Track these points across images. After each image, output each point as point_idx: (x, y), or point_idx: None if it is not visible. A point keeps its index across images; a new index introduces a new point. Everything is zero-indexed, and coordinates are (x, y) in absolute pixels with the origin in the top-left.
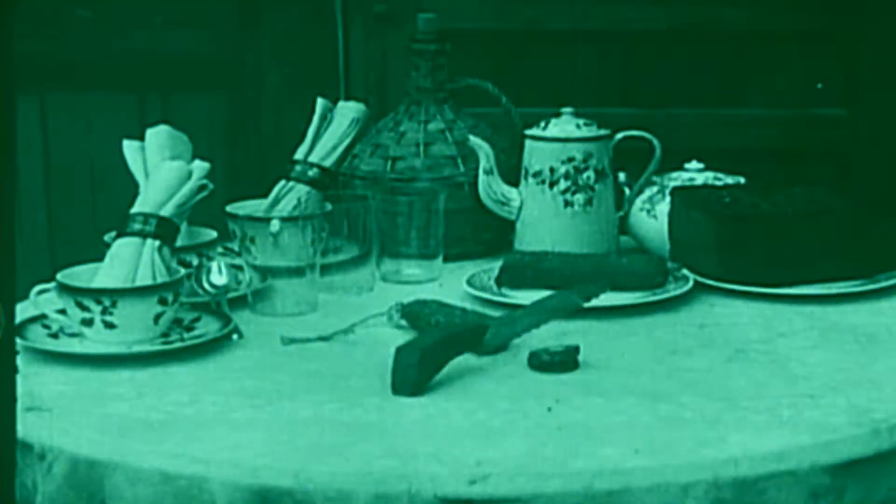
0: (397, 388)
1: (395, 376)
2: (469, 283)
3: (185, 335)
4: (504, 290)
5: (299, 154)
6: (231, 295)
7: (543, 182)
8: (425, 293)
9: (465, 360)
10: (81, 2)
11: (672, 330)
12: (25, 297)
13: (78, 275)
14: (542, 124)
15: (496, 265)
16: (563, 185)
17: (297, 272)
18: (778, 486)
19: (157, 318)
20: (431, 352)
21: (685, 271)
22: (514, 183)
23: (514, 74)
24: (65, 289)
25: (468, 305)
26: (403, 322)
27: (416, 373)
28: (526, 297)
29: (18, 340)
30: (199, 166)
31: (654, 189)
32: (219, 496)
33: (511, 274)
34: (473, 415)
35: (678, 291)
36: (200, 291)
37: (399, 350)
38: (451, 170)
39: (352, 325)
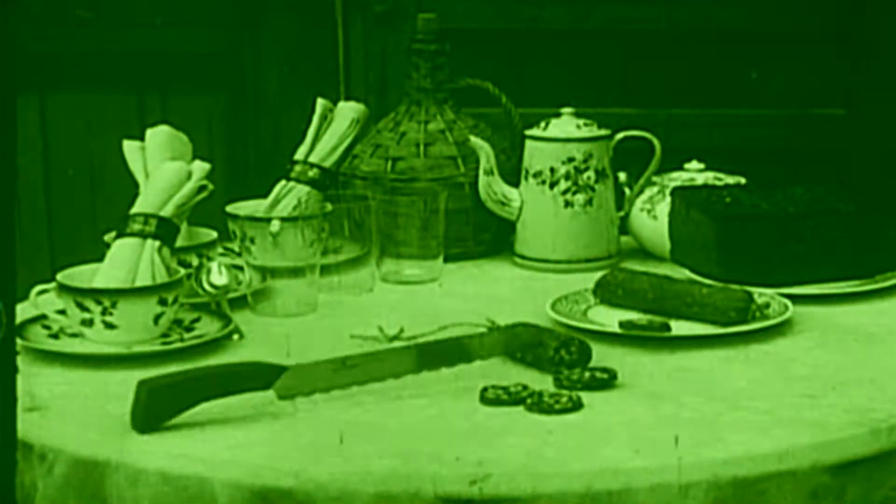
0: (131, 422)
1: (131, 411)
2: (554, 308)
3: (185, 335)
4: (591, 315)
5: (299, 154)
6: (231, 295)
7: (544, 182)
8: (425, 294)
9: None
10: (81, 2)
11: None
12: (25, 297)
13: (78, 275)
14: (543, 124)
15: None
16: (563, 185)
17: (297, 272)
18: (778, 486)
19: (156, 318)
20: (168, 391)
21: (773, 307)
22: (515, 183)
23: (514, 74)
24: (65, 289)
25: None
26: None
27: (143, 410)
28: (612, 320)
29: (18, 341)
30: (199, 167)
31: (655, 189)
32: (219, 496)
33: (604, 290)
34: (473, 415)
35: (745, 328)
36: (200, 292)
37: (138, 384)
38: (451, 170)
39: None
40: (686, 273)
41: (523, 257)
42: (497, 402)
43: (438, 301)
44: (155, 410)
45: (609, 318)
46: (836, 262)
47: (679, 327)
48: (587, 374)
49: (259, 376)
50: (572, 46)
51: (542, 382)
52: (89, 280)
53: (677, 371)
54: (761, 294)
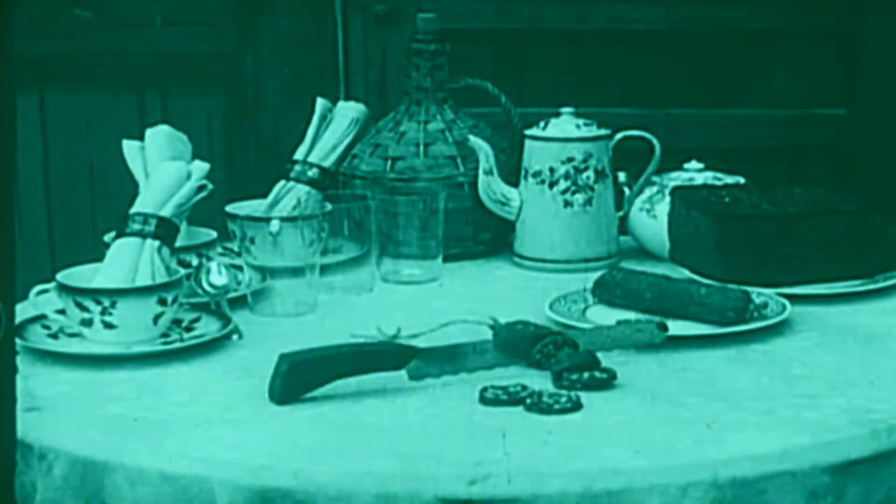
0: (269, 393)
1: (270, 382)
2: (552, 308)
3: (185, 335)
4: (589, 315)
5: (299, 154)
6: (230, 295)
7: (543, 182)
8: (425, 294)
9: None
10: (81, 2)
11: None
12: (25, 297)
13: (77, 275)
14: (542, 124)
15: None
16: (562, 185)
17: (297, 272)
18: (778, 486)
19: (156, 318)
20: (306, 366)
21: (771, 307)
22: (514, 183)
23: (514, 74)
24: (64, 289)
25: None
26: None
27: (280, 383)
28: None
29: (18, 340)
30: (199, 166)
31: (654, 189)
32: (219, 496)
33: (603, 290)
34: (474, 415)
35: (744, 328)
36: (200, 292)
37: (280, 357)
38: (450, 170)
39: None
40: (685, 273)
41: (523, 257)
42: (496, 402)
43: (438, 301)
44: (293, 384)
45: (607, 318)
46: (836, 262)
47: (678, 327)
48: (586, 375)
49: (394, 357)
50: (572, 46)
51: (541, 383)
52: (89, 280)
53: (677, 371)
54: (759, 294)
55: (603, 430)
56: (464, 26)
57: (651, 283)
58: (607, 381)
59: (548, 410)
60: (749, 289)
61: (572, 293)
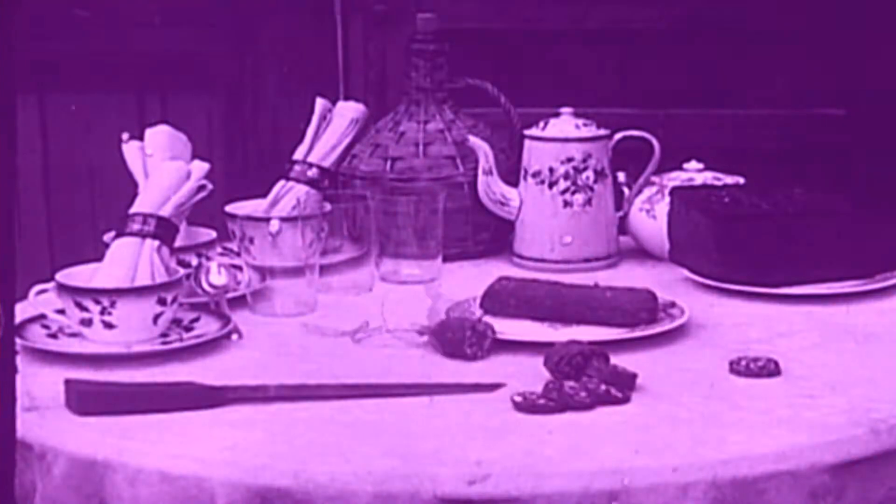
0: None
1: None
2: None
3: (185, 335)
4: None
5: (298, 154)
6: (230, 295)
7: (543, 182)
8: (424, 294)
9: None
10: (80, 2)
11: (671, 329)
12: (25, 297)
13: (77, 275)
14: (542, 124)
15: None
16: (562, 185)
17: (296, 272)
18: (778, 486)
19: (156, 318)
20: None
21: (680, 307)
22: (514, 183)
23: (514, 74)
24: (64, 289)
25: None
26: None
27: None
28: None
29: (18, 340)
30: (199, 166)
31: (654, 189)
32: (219, 496)
33: (493, 300)
34: (473, 415)
35: (658, 329)
36: (199, 291)
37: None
38: (450, 170)
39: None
40: (684, 273)
41: (522, 257)
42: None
43: (437, 301)
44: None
45: (507, 329)
46: (835, 262)
47: (583, 332)
48: (603, 388)
49: (196, 398)
50: (572, 46)
51: (538, 383)
52: (88, 280)
53: (677, 371)
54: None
55: (603, 430)
56: (464, 26)
57: (549, 290)
58: (620, 400)
59: (548, 410)
60: (747, 289)
61: None
